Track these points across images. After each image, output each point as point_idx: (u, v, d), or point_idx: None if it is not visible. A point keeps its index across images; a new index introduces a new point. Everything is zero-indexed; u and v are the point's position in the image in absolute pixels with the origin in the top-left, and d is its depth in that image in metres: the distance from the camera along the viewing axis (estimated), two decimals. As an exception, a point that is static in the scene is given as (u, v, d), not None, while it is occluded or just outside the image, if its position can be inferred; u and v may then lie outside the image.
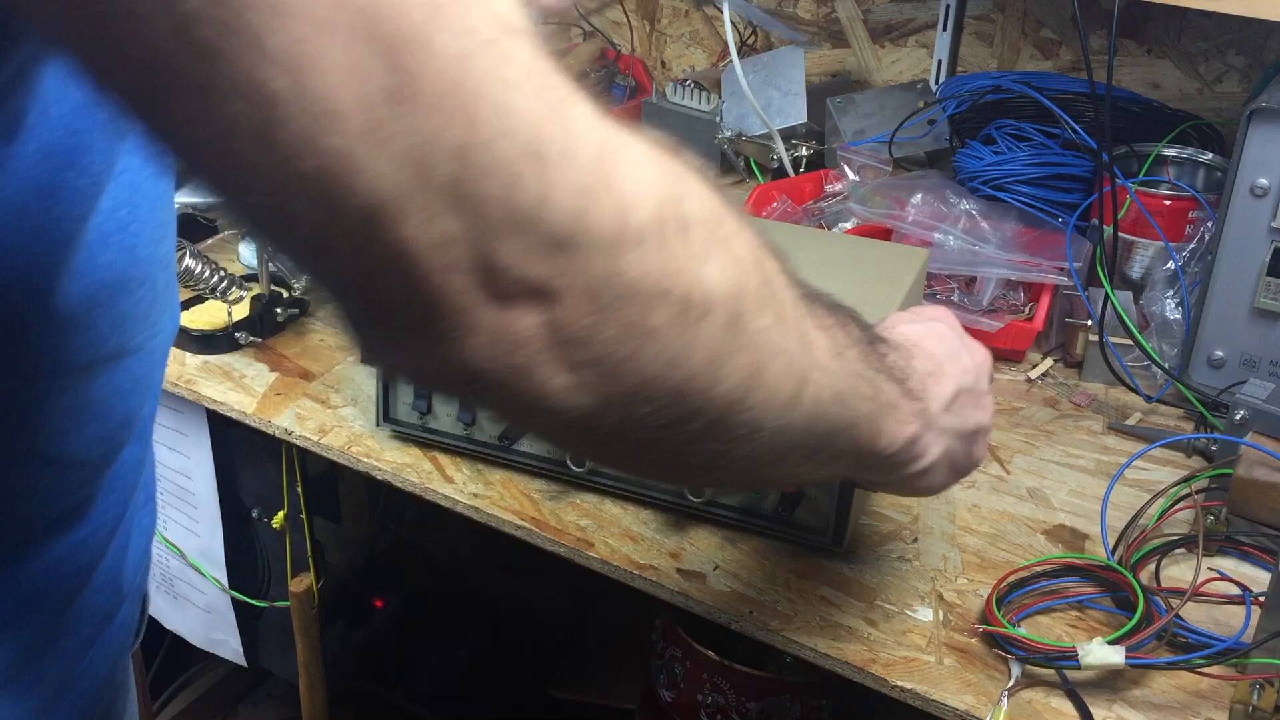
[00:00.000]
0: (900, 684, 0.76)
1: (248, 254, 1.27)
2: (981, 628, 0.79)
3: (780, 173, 1.44)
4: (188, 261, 1.11)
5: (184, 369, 1.10)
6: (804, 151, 1.44)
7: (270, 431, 1.03)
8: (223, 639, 1.29)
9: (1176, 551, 0.86)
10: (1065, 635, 0.79)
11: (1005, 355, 1.14)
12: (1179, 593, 0.80)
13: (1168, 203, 1.13)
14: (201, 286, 1.14)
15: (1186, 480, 0.90)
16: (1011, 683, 0.75)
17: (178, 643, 1.35)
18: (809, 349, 0.47)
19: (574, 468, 0.91)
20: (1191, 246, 1.11)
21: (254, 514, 1.20)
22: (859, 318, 0.54)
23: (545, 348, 0.37)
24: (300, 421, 1.02)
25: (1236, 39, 1.29)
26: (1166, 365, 1.07)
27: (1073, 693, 0.75)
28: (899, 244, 1.17)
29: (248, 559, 1.23)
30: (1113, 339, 1.07)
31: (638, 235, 0.37)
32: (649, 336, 0.39)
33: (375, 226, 0.34)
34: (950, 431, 0.62)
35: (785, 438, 0.47)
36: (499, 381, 0.38)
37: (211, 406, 1.07)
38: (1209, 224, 1.10)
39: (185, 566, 1.25)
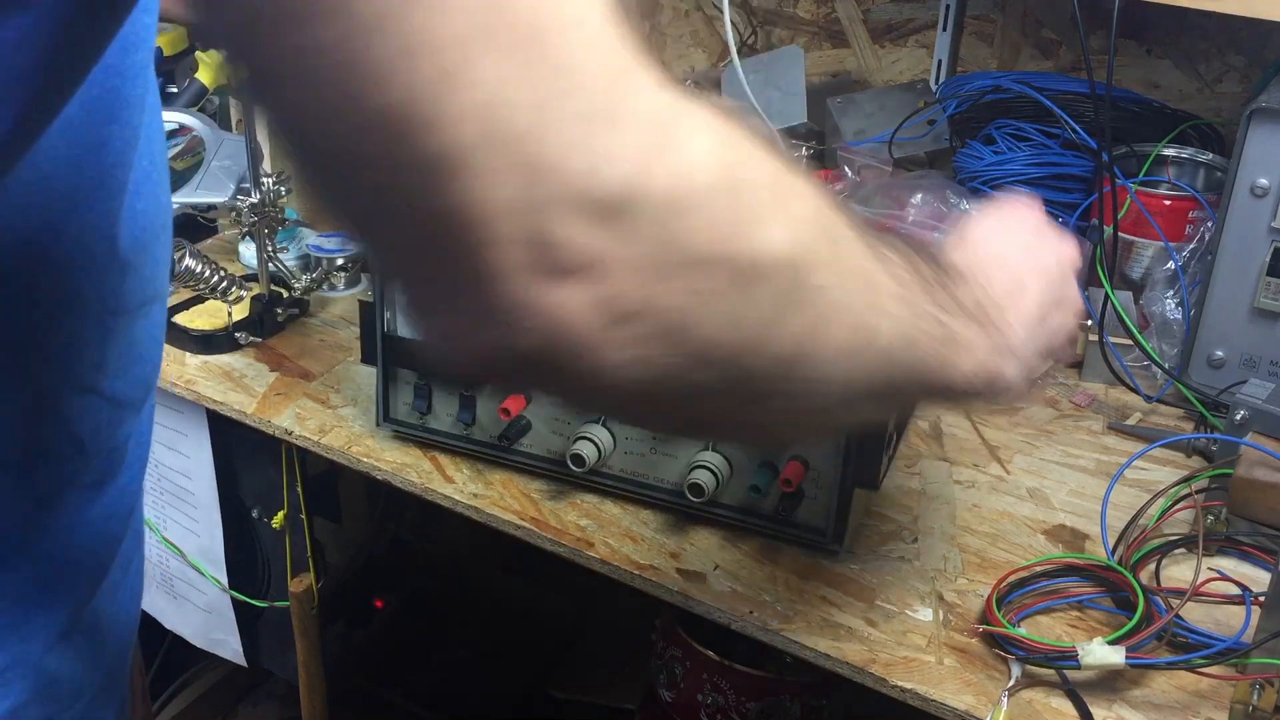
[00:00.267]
0: (900, 684, 0.76)
1: (248, 254, 1.27)
2: (981, 628, 0.79)
3: (780, 173, 1.44)
4: (188, 261, 1.11)
5: (184, 369, 1.10)
6: (804, 151, 1.44)
7: (270, 431, 1.03)
8: (223, 639, 1.29)
9: (1176, 551, 0.86)
10: (1065, 635, 0.80)
11: (1005, 355, 1.14)
12: (1179, 593, 0.80)
13: (1168, 203, 1.13)
14: (201, 286, 1.14)
15: (1186, 480, 0.90)
16: (1011, 683, 0.75)
17: (178, 643, 1.35)
18: (875, 299, 0.46)
19: (574, 468, 0.91)
20: (1191, 246, 1.11)
21: (254, 514, 1.19)
22: (927, 250, 0.53)
23: (599, 326, 0.37)
24: (300, 421, 1.02)
25: (1236, 39, 1.28)
26: (1166, 365, 1.07)
27: (1073, 693, 0.75)
28: (899, 244, 1.17)
29: (248, 559, 1.23)
30: (1113, 339, 1.07)
31: (698, 199, 0.37)
32: (708, 301, 0.38)
33: (437, 177, 0.34)
34: (1033, 349, 0.61)
35: (854, 389, 0.47)
36: (555, 365, 0.37)
37: (211, 406, 1.07)
38: (1209, 224, 1.10)
39: (185, 566, 1.25)
